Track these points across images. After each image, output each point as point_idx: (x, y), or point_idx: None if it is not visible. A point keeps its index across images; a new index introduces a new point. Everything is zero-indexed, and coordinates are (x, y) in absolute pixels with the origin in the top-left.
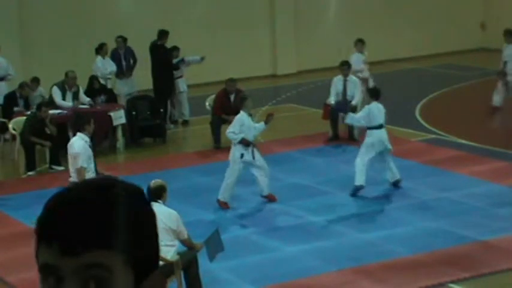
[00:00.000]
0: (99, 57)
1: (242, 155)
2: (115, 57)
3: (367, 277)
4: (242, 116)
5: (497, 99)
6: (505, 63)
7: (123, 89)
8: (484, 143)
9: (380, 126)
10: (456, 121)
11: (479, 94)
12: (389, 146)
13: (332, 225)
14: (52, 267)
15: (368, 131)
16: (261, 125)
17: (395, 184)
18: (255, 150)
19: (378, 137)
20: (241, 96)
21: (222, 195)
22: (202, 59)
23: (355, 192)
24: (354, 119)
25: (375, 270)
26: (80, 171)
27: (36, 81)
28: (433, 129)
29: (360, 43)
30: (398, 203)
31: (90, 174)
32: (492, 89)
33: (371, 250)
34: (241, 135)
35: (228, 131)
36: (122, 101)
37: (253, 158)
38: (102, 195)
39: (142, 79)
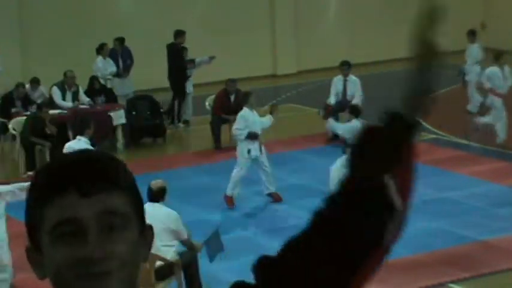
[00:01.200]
0: (99, 58)
1: (249, 151)
2: (112, 57)
3: None
4: (245, 112)
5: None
6: (466, 63)
7: (121, 89)
8: (484, 143)
9: None
10: (456, 121)
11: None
12: None
13: None
14: (70, 220)
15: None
16: (269, 118)
17: None
18: (261, 145)
19: None
20: (245, 92)
21: (230, 191)
22: (211, 58)
23: None
24: (335, 127)
25: None
26: None
27: (35, 81)
28: (433, 129)
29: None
30: None
31: None
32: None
33: None
34: (247, 131)
35: (233, 128)
36: (122, 100)
37: (261, 152)
38: (100, 152)
39: (142, 79)
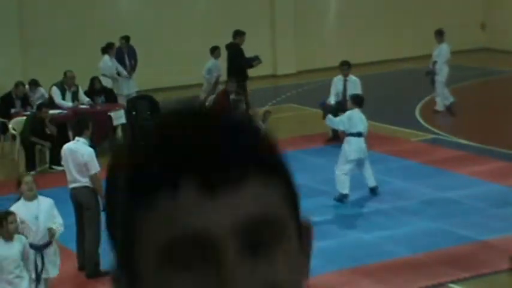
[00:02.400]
0: (107, 57)
1: None
2: (118, 56)
3: (367, 277)
4: None
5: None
6: (434, 63)
7: (126, 88)
8: (484, 143)
9: (359, 135)
10: (456, 121)
11: (479, 94)
12: (366, 155)
13: (332, 225)
14: (190, 236)
15: (346, 138)
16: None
17: (373, 190)
18: None
19: (355, 145)
20: (236, 99)
21: None
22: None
23: (341, 199)
24: (333, 121)
25: (374, 270)
26: (98, 176)
27: (34, 83)
28: (433, 129)
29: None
30: (397, 203)
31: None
32: (491, 88)
33: (371, 250)
34: None
35: None
36: (122, 100)
37: None
38: (227, 114)
39: (142, 79)
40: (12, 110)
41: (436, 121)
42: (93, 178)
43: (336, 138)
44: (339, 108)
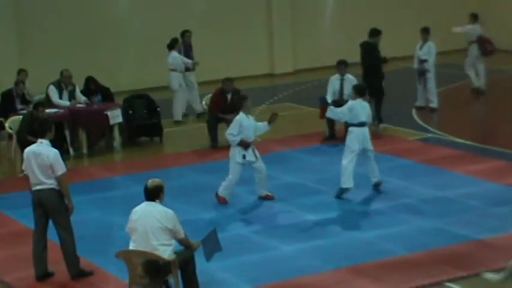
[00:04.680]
0: (174, 52)
1: (244, 156)
2: (185, 51)
3: (363, 276)
4: (241, 116)
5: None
6: (424, 61)
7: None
8: (481, 142)
9: (361, 124)
10: (453, 120)
11: (476, 93)
12: (371, 147)
13: (328, 224)
14: None
15: (349, 129)
16: (264, 125)
17: (376, 186)
18: (255, 149)
19: (358, 135)
20: (241, 96)
21: (222, 192)
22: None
23: (341, 194)
24: (335, 112)
25: (371, 269)
26: (64, 178)
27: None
28: (430, 128)
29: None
30: (394, 202)
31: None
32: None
33: (367, 249)
34: (239, 137)
35: (227, 132)
36: (180, 96)
37: (256, 157)
38: None
39: (139, 78)
40: (19, 107)
41: (433, 120)
42: (59, 179)
43: (333, 137)
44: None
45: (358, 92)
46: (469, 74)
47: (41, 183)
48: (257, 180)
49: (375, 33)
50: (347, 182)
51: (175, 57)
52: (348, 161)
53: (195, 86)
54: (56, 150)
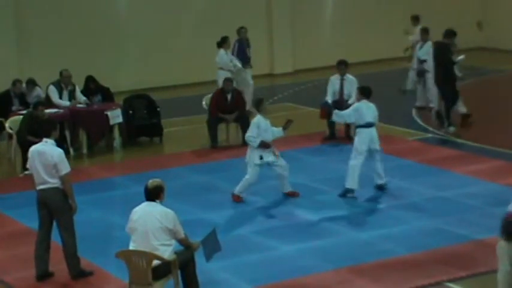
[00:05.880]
0: (222, 50)
1: (261, 157)
2: (240, 47)
3: (363, 276)
4: (258, 119)
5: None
6: (423, 61)
7: (245, 80)
8: (481, 142)
9: (369, 125)
10: (453, 120)
11: (476, 93)
12: (378, 147)
13: (329, 224)
14: None
15: (357, 130)
16: (279, 131)
17: (380, 188)
18: (275, 149)
19: (366, 135)
20: (258, 99)
21: (238, 191)
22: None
23: (345, 194)
24: (340, 115)
25: (371, 269)
26: (69, 177)
27: (31, 83)
28: (430, 128)
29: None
30: (394, 202)
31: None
32: (490, 88)
33: (367, 249)
34: (259, 139)
35: (247, 135)
36: (249, 91)
37: (276, 157)
38: None
39: (139, 78)
40: (14, 108)
41: (433, 120)
42: (63, 179)
43: (333, 137)
44: (336, 108)
45: (363, 93)
46: (410, 75)
47: (45, 182)
48: (280, 178)
49: (451, 34)
50: (352, 182)
51: (222, 55)
52: (355, 162)
53: (250, 83)
54: (60, 150)
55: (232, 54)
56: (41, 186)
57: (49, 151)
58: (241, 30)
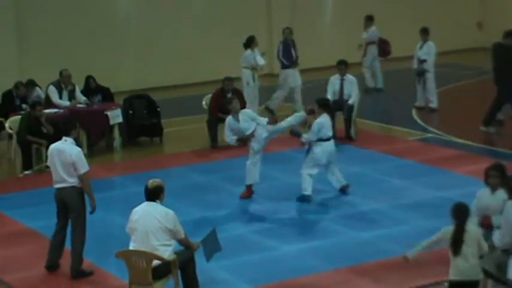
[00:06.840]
0: (249, 50)
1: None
2: (286, 48)
3: (364, 276)
4: (228, 119)
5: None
6: (423, 61)
7: (292, 81)
8: (480, 142)
9: (329, 139)
10: (453, 120)
11: (476, 93)
12: (336, 160)
13: (329, 224)
14: None
15: (317, 143)
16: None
17: (343, 190)
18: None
19: (326, 149)
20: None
21: (248, 180)
22: None
23: (303, 200)
24: (305, 137)
25: (371, 269)
26: (87, 176)
27: (31, 83)
28: (430, 128)
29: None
30: (395, 202)
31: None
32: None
33: (368, 249)
34: (235, 137)
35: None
36: (297, 91)
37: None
38: None
39: (139, 78)
40: (22, 106)
41: (433, 120)
42: (82, 177)
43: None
44: (336, 108)
45: (323, 106)
46: (364, 74)
47: (63, 181)
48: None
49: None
50: (309, 189)
51: (247, 55)
52: (307, 172)
53: (298, 83)
54: (79, 148)
55: (278, 55)
56: (58, 185)
57: (68, 150)
58: (285, 31)
